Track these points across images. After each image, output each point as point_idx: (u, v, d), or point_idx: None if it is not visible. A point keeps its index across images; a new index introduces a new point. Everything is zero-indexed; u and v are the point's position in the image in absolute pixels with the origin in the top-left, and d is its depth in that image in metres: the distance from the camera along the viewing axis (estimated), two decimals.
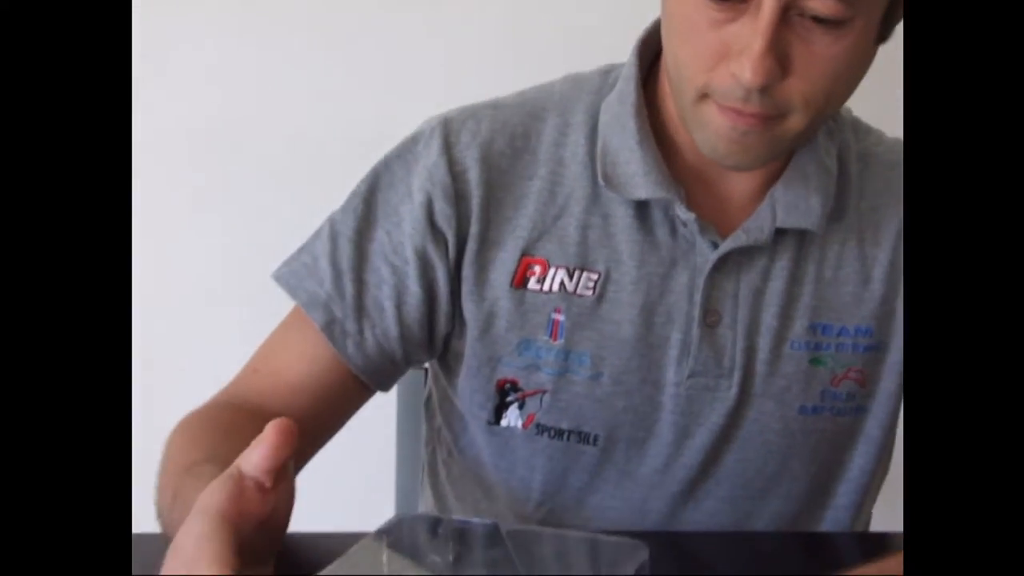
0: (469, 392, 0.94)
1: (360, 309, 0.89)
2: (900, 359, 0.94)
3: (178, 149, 1.63)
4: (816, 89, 0.79)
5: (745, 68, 0.76)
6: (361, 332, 0.89)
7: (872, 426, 0.95)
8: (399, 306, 0.90)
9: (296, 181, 1.63)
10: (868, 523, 1.04)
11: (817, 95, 0.80)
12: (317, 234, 0.93)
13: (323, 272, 0.90)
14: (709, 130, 0.82)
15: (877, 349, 0.94)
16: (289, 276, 0.92)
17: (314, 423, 0.88)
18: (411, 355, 0.93)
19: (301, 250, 0.93)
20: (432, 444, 1.09)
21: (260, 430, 0.82)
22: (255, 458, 0.60)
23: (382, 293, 0.90)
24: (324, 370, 0.90)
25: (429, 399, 1.09)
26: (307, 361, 0.90)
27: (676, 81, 0.83)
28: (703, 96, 0.81)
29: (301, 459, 0.88)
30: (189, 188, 1.64)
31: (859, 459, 0.96)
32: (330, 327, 0.89)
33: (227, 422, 0.82)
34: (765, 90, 0.78)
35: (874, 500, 1.02)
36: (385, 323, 0.90)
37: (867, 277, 0.93)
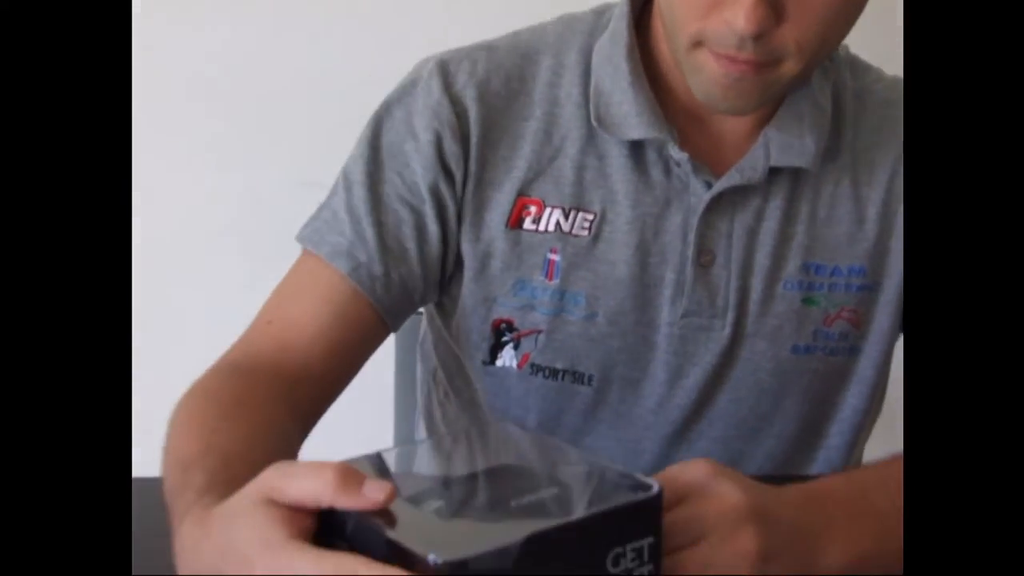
0: (465, 332, 0.95)
1: (384, 251, 0.89)
2: (894, 299, 0.94)
3: (179, 93, 1.62)
4: (810, 34, 0.79)
5: (738, 16, 0.76)
6: (388, 274, 0.89)
7: (865, 366, 0.96)
8: (421, 245, 0.90)
9: (298, 124, 1.63)
10: (860, 462, 1.05)
11: (811, 40, 0.80)
12: (333, 190, 0.93)
13: (342, 222, 0.90)
14: (703, 76, 0.82)
15: (870, 289, 0.94)
16: (312, 234, 0.91)
17: (332, 370, 0.88)
18: (426, 294, 0.93)
19: (321, 208, 0.93)
20: (428, 386, 1.10)
21: (274, 394, 0.81)
22: (344, 502, 0.55)
23: (403, 234, 0.90)
24: (344, 313, 0.88)
25: (424, 341, 1.10)
26: (326, 304, 0.88)
27: (670, 27, 0.83)
28: (697, 43, 0.81)
29: (319, 410, 0.88)
30: (188, 133, 1.64)
31: (852, 399, 0.97)
32: (357, 272, 0.88)
33: (229, 398, 0.80)
34: (759, 37, 0.78)
35: (866, 439, 1.03)
36: (409, 263, 0.90)
37: (861, 216, 0.93)
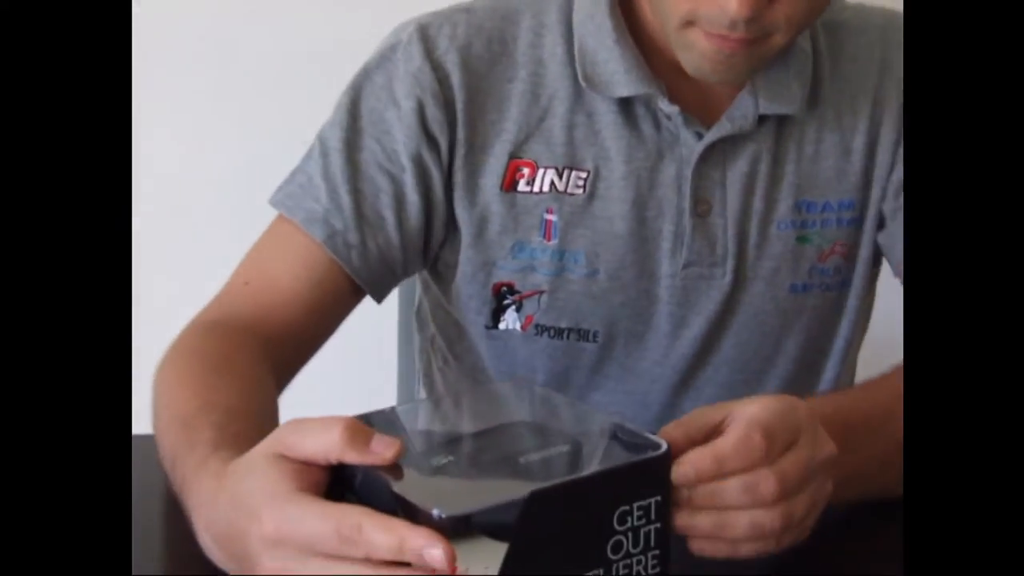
0: (465, 298, 0.95)
1: (360, 219, 0.89)
2: (872, 228, 0.96)
3: (178, 51, 1.63)
4: (801, 9, 0.81)
5: (730, 1, 0.77)
6: (364, 243, 0.89)
7: (853, 296, 0.98)
8: (399, 215, 0.90)
9: (289, 87, 1.63)
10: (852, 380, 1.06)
11: (801, 14, 0.81)
12: (308, 154, 0.92)
13: (318, 188, 0.89)
14: (694, 52, 0.83)
15: (859, 222, 0.96)
16: (285, 199, 0.91)
17: (309, 331, 0.88)
18: (409, 264, 0.93)
19: (295, 172, 0.92)
20: (427, 353, 1.10)
21: (256, 353, 0.81)
22: (352, 457, 0.56)
23: (380, 203, 0.89)
24: (322, 278, 0.88)
25: (420, 309, 1.10)
26: (304, 268, 0.88)
27: (659, 5, 0.84)
28: (688, 23, 0.81)
29: (294, 370, 0.88)
30: (189, 88, 1.64)
31: (843, 331, 0.99)
32: (332, 240, 0.88)
33: (217, 355, 0.80)
34: (751, 18, 0.78)
35: (855, 365, 1.05)
36: (387, 232, 0.90)
37: (847, 148, 0.94)
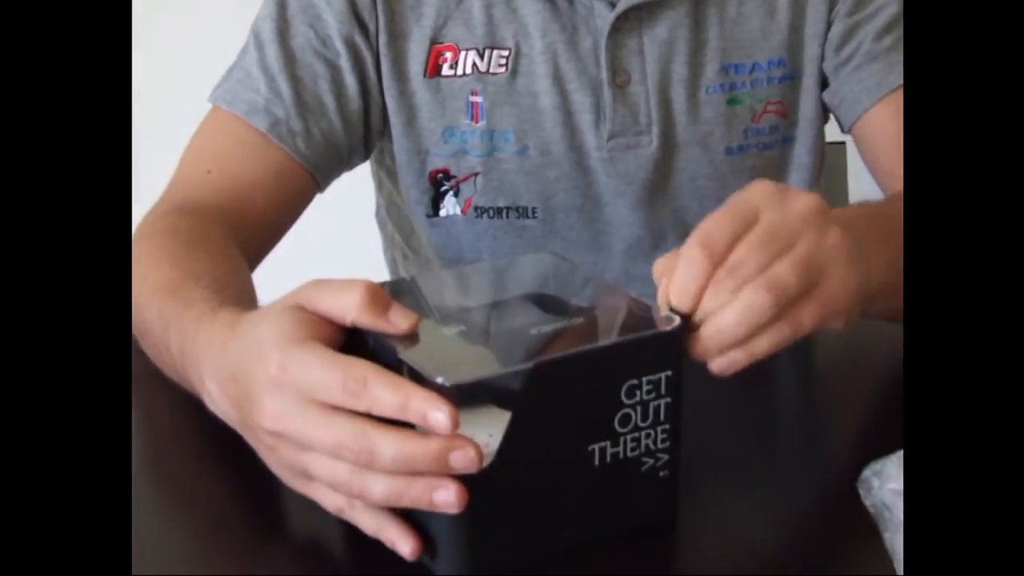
0: (405, 189, 0.97)
1: (301, 106, 0.89)
2: (812, 87, 0.96)
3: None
4: None
5: None
6: (308, 129, 0.89)
7: (800, 153, 0.98)
8: (339, 100, 0.91)
9: None
10: None
11: None
12: (244, 49, 0.92)
13: (257, 80, 0.90)
14: None
15: (792, 78, 0.96)
16: (225, 93, 0.91)
17: (272, 219, 0.89)
18: (352, 152, 0.93)
19: (232, 68, 0.93)
20: (389, 251, 1.12)
21: (228, 235, 0.81)
22: (368, 321, 0.56)
23: (319, 88, 0.90)
24: (278, 169, 0.89)
25: (377, 211, 1.12)
26: (260, 158, 0.88)
27: None
28: None
29: (257, 259, 0.88)
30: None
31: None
32: (276, 128, 0.88)
33: (194, 232, 0.80)
34: None
35: None
36: (329, 117, 0.90)
37: (771, 8, 0.94)
